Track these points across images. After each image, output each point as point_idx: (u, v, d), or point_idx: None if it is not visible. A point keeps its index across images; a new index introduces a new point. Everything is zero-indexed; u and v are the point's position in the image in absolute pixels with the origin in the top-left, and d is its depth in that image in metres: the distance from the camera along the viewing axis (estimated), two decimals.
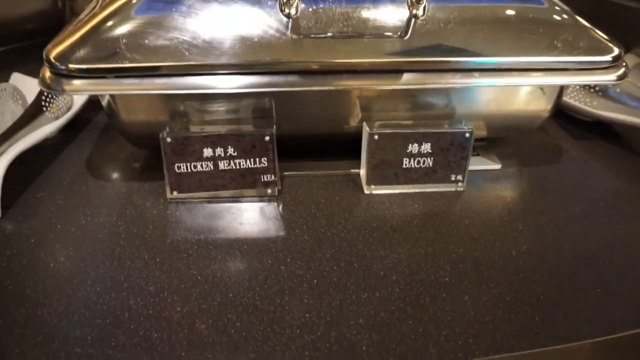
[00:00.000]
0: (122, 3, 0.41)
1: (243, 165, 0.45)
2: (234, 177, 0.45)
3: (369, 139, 0.45)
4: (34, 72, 0.41)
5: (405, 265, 0.39)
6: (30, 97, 0.54)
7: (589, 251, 0.42)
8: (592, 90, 0.60)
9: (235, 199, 0.46)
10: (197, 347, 0.32)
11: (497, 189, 0.50)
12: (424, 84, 0.43)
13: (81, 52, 0.39)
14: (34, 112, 0.50)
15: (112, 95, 0.43)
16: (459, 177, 0.48)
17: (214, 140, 0.43)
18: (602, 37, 0.46)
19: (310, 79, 0.42)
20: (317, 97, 0.46)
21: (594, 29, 0.46)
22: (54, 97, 0.53)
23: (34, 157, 0.50)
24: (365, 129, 0.45)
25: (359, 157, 0.48)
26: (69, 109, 0.54)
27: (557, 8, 0.46)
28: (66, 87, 0.39)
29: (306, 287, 0.37)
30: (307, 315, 0.35)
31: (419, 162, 0.47)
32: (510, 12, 0.45)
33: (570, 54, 0.44)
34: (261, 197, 0.46)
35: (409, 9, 0.42)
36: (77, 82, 0.39)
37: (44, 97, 0.52)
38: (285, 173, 0.49)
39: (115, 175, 0.50)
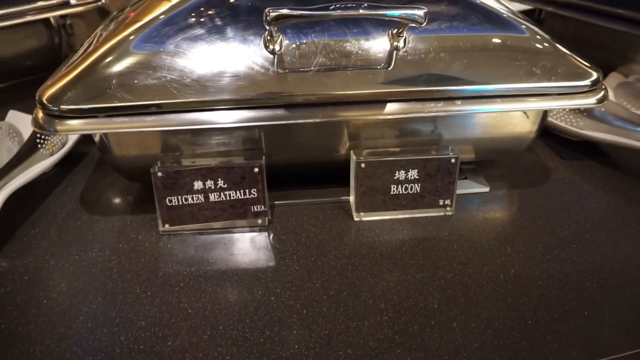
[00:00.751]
0: (113, 44, 0.42)
1: (233, 196, 0.45)
2: (224, 208, 0.46)
3: (356, 168, 0.46)
4: (31, 109, 0.43)
5: (394, 293, 0.40)
6: (26, 134, 0.55)
7: (578, 274, 0.42)
8: (577, 110, 0.61)
9: (227, 230, 0.47)
10: None
11: (486, 212, 0.50)
12: (408, 113, 0.44)
13: (72, 93, 0.40)
14: (29, 149, 0.52)
15: (103, 133, 0.44)
16: (447, 202, 0.49)
17: (204, 173, 0.44)
18: (581, 62, 0.47)
19: (297, 112, 0.43)
20: (306, 127, 0.47)
21: (573, 55, 0.47)
22: None
23: (29, 193, 0.51)
24: (353, 158, 0.46)
25: (349, 184, 0.49)
26: (63, 144, 0.55)
27: (537, 37, 0.47)
28: (58, 128, 0.40)
29: (296, 317, 0.38)
30: (297, 346, 0.35)
31: (406, 189, 0.47)
32: (492, 41, 0.46)
33: (550, 79, 0.45)
34: (252, 228, 0.47)
35: (390, 41, 0.43)
36: (69, 122, 0.40)
37: (38, 134, 0.53)
38: (276, 202, 0.50)
39: (108, 209, 0.50)
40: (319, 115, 0.43)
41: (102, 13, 0.87)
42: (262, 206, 0.46)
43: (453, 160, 0.47)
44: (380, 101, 0.44)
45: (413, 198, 0.48)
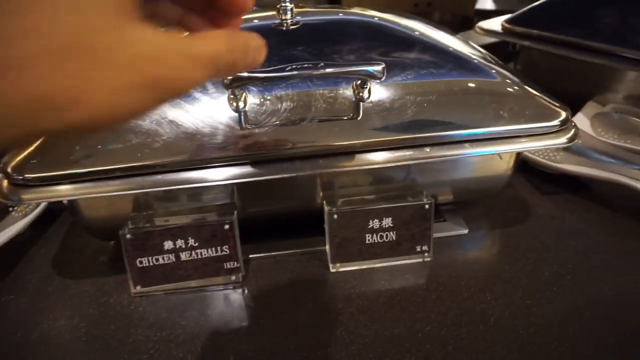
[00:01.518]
0: None
1: (205, 254, 0.45)
2: (196, 267, 0.45)
3: (329, 219, 0.46)
4: None
5: (370, 351, 0.39)
6: None
7: (559, 320, 0.41)
8: None
9: (200, 289, 0.46)
10: None
11: (465, 255, 0.49)
12: (377, 164, 0.43)
13: (37, 161, 0.40)
14: (0, 213, 0.51)
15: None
16: (425, 248, 0.48)
17: (174, 233, 0.44)
18: (550, 102, 0.47)
19: (267, 168, 0.43)
20: (277, 180, 0.46)
21: (543, 95, 0.47)
22: None
23: (2, 256, 0.50)
24: (325, 209, 0.46)
25: (324, 233, 0.48)
26: (37, 205, 0.55)
27: (507, 80, 0.48)
28: (24, 197, 0.40)
29: None
30: None
31: (382, 237, 0.47)
32: (461, 86, 0.46)
33: (519, 122, 0.45)
34: (226, 285, 0.46)
35: (354, 93, 0.43)
36: (34, 191, 0.40)
37: None
38: (250, 256, 0.49)
39: (81, 271, 0.49)
40: (289, 170, 0.43)
41: None
42: (235, 262, 0.45)
43: (427, 207, 0.46)
44: (349, 152, 0.44)
45: (389, 246, 0.47)
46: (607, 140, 0.64)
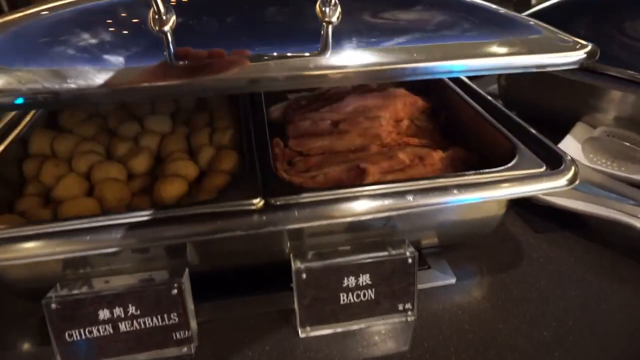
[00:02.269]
0: None
1: (149, 324, 0.38)
2: (139, 339, 0.38)
3: (297, 278, 0.39)
4: None
5: None
6: None
7: None
8: None
9: None
10: None
11: (453, 312, 0.43)
12: (354, 215, 0.37)
13: None
14: None
15: None
16: (408, 306, 0.42)
17: (110, 300, 0.36)
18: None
19: (222, 222, 0.36)
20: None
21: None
22: None
23: None
24: (293, 266, 0.39)
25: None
26: None
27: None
28: None
29: None
30: None
31: (358, 296, 0.40)
32: None
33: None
34: (175, 359, 0.39)
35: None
36: None
37: None
38: (205, 318, 0.42)
39: (3, 344, 0.41)
40: (247, 225, 0.36)
41: None
42: (186, 332, 0.38)
43: (410, 261, 0.40)
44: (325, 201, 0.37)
45: (367, 305, 0.41)
46: (601, 168, 0.60)
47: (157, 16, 0.31)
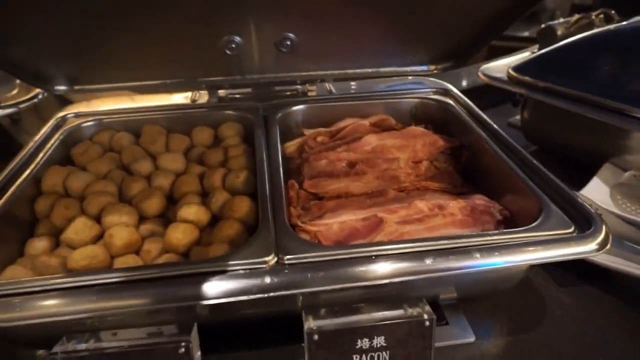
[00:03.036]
0: None
1: None
2: None
3: (308, 339, 0.37)
4: None
5: None
6: None
7: None
8: None
9: None
10: None
11: None
12: (370, 280, 0.36)
13: None
14: None
15: None
16: None
17: (116, 358, 0.35)
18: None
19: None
20: None
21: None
22: None
23: None
24: (305, 326, 0.37)
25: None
26: None
27: None
28: None
29: None
30: None
31: (372, 358, 0.39)
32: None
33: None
34: None
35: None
36: None
37: None
38: None
39: None
40: (258, 289, 0.35)
41: (61, 100, 0.79)
42: None
43: (428, 324, 0.38)
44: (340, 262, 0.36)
45: None
46: (632, 217, 0.57)
47: None
